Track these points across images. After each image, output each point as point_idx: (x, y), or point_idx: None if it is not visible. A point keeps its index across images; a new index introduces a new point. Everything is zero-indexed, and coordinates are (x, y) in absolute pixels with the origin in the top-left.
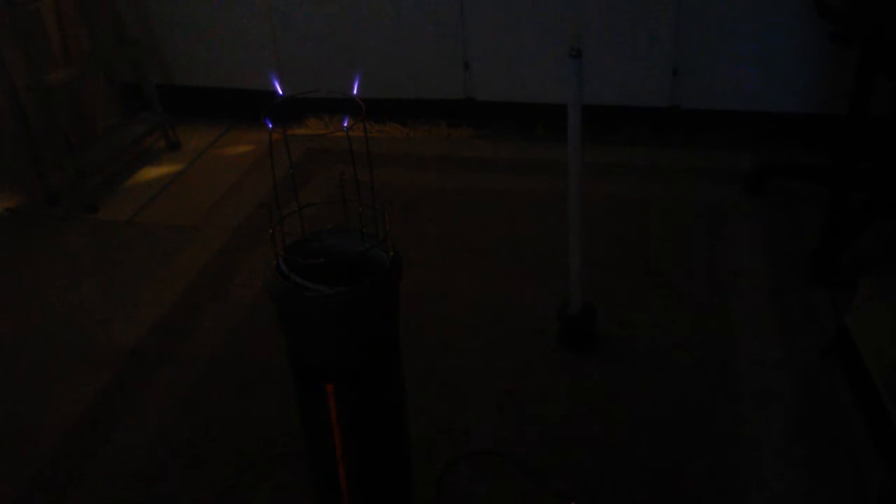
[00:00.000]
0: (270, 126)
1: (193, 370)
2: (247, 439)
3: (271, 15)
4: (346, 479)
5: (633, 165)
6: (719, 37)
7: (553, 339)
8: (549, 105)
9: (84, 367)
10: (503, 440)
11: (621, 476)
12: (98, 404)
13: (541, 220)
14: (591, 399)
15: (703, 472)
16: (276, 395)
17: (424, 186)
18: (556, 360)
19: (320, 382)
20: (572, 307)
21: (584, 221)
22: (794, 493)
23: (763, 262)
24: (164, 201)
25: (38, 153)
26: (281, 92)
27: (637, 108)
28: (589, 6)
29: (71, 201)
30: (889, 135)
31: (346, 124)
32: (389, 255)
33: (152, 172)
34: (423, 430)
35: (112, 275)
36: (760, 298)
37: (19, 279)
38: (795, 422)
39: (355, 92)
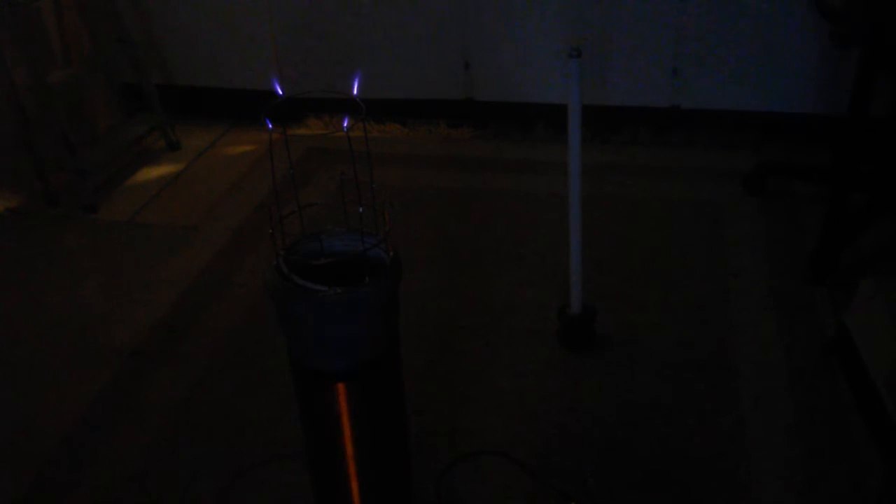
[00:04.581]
0: (270, 126)
1: (193, 370)
2: (247, 439)
3: (271, 15)
4: (347, 479)
5: (633, 165)
6: (719, 37)
7: (553, 339)
8: (549, 105)
9: (84, 367)
10: (503, 440)
11: (621, 476)
12: (98, 404)
13: (541, 220)
14: (592, 399)
15: (702, 472)
16: (276, 395)
17: (424, 186)
18: (556, 360)
19: (320, 383)
20: (572, 307)
21: (584, 221)
22: (794, 492)
23: (763, 262)
24: (164, 201)
25: (38, 153)
26: (281, 92)
27: (637, 108)
28: (589, 6)
29: (71, 201)
30: (889, 135)
31: (346, 124)
32: (389, 255)
33: (152, 172)
34: (423, 430)
35: (112, 275)
36: (760, 298)
37: (19, 279)
38: (795, 422)
39: (355, 92)
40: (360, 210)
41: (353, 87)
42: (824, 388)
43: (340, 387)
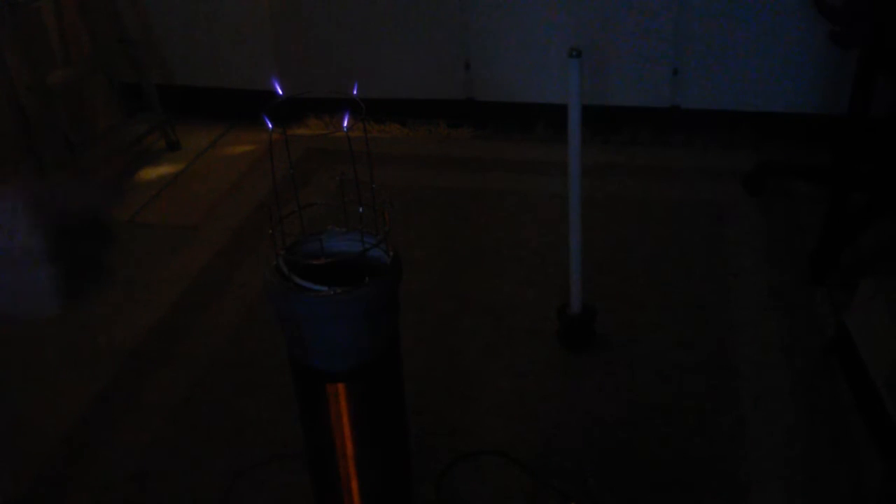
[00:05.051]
0: (270, 126)
1: (193, 370)
2: (247, 439)
3: (271, 15)
4: (348, 479)
5: (633, 165)
6: (719, 37)
7: (553, 339)
8: (549, 105)
9: (84, 367)
10: (503, 440)
11: (621, 476)
12: (98, 404)
13: (541, 220)
14: (591, 399)
15: (703, 472)
16: (276, 395)
17: (424, 186)
18: (556, 360)
19: (320, 383)
20: (572, 307)
21: (584, 221)
22: (794, 493)
23: (763, 262)
24: (164, 201)
25: (38, 153)
26: (281, 92)
27: (637, 108)
28: (589, 6)
29: None
30: (889, 135)
31: (346, 124)
32: (389, 255)
33: (152, 172)
34: (423, 430)
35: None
36: (760, 298)
37: None
38: (795, 422)
39: (355, 92)
40: (361, 210)
41: (353, 88)
42: (824, 388)
43: (340, 387)
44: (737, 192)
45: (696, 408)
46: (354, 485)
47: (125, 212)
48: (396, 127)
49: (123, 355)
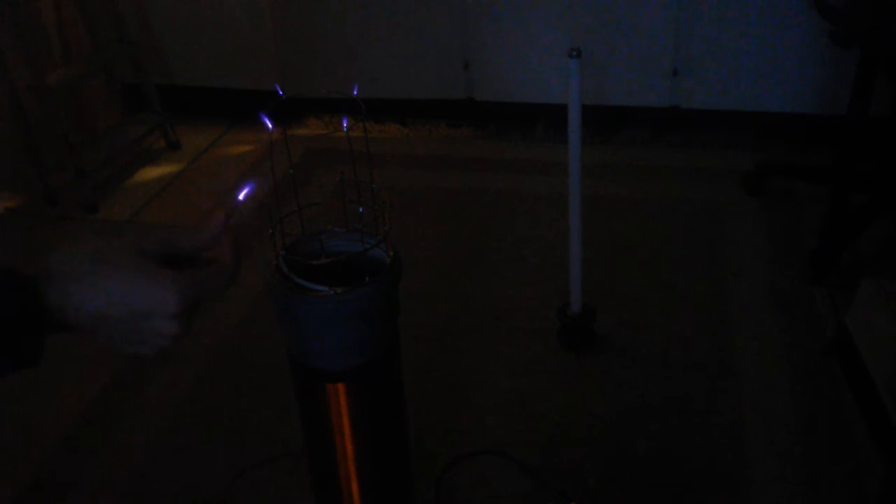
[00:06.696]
0: (270, 126)
1: (193, 369)
2: (247, 439)
3: (271, 15)
4: (349, 479)
5: (633, 165)
6: (719, 37)
7: (553, 339)
8: (550, 105)
9: (84, 367)
10: (503, 440)
11: (621, 476)
12: (98, 404)
13: (541, 220)
14: (592, 399)
15: (703, 472)
16: (275, 395)
17: (424, 186)
18: (556, 360)
19: (320, 383)
20: (572, 307)
21: (585, 221)
22: (794, 492)
23: (763, 262)
24: (164, 201)
25: (38, 153)
26: (281, 92)
27: (637, 108)
28: (589, 6)
29: (71, 201)
30: (889, 135)
31: (346, 124)
32: (389, 255)
33: (152, 172)
34: (423, 430)
35: None
36: (760, 298)
37: None
38: (795, 422)
39: (355, 92)
40: (361, 210)
41: (353, 87)
42: (824, 388)
43: (340, 387)
44: (737, 192)
45: (696, 408)
46: (354, 485)
47: (125, 212)
48: (396, 127)
49: (123, 355)
